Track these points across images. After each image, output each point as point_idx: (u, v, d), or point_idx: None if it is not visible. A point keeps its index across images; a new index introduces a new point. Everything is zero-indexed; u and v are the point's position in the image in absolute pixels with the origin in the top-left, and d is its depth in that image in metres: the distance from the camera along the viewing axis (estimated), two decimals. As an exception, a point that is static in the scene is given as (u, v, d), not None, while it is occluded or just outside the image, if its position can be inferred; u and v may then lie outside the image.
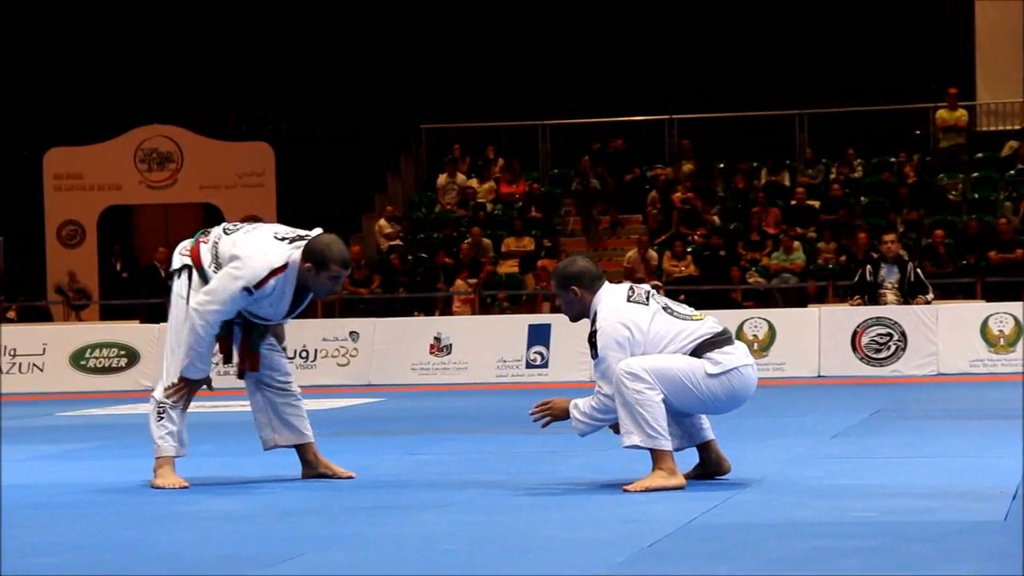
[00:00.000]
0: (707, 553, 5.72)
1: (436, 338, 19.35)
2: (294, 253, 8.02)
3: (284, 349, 8.49)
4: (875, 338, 18.48)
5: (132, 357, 19.78)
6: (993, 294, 21.34)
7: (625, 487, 7.52)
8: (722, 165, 26.39)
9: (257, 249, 8.03)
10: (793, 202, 24.75)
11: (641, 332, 7.59)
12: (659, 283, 22.70)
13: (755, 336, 18.73)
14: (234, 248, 8.04)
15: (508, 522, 6.64)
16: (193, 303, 8.02)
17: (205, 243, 8.16)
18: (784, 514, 6.63)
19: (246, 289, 7.94)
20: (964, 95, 26.18)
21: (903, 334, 18.40)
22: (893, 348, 18.42)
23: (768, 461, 8.81)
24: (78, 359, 19.87)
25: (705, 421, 7.95)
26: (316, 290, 8.10)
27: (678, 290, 22.90)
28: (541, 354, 18.96)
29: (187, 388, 8.07)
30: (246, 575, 5.46)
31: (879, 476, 8.04)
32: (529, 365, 19.02)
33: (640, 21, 28.65)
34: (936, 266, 22.10)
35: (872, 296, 19.18)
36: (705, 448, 7.90)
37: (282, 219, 17.89)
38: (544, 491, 7.69)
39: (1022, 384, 15.10)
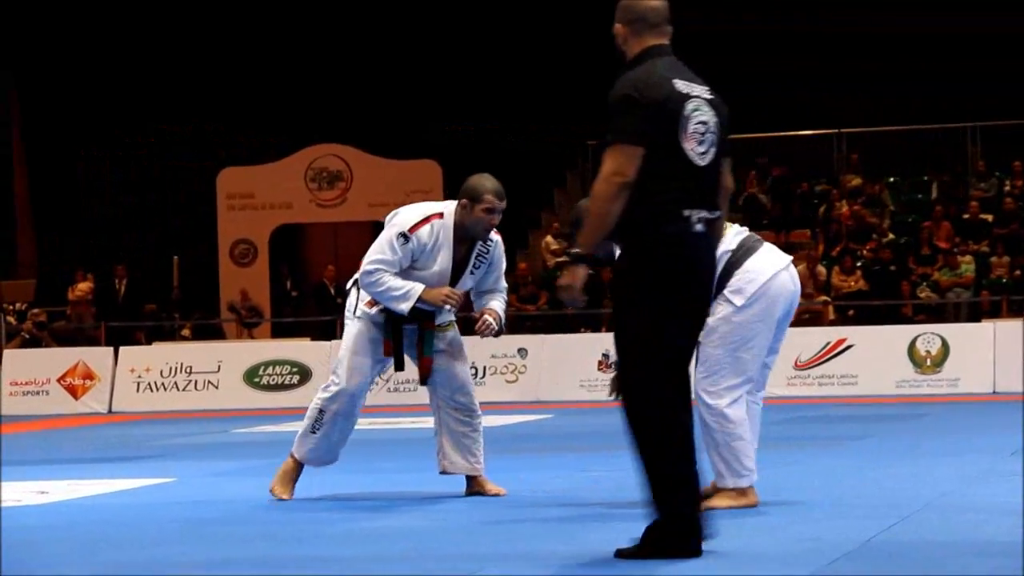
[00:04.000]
0: (887, 572, 5.64)
1: (604, 355, 19.30)
2: (445, 204, 8.10)
3: (500, 331, 8.30)
4: (1052, 353, 18.09)
5: (304, 374, 19.99)
6: None
7: None
8: (892, 179, 26.05)
9: (413, 206, 8.17)
10: (966, 216, 24.35)
11: None
12: (827, 299, 22.46)
13: (928, 351, 18.44)
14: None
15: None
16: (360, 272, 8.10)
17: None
18: (965, 533, 6.50)
19: (401, 235, 7.95)
20: None
21: (1081, 349, 17.99)
22: (1071, 363, 18.03)
23: (946, 479, 8.66)
24: (251, 376, 20.14)
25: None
26: (473, 228, 8.01)
27: (848, 305, 22.65)
28: (710, 370, 18.81)
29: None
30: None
31: (1062, 494, 7.86)
32: (697, 381, 18.89)
33: (808, 36, 28.41)
34: (1114, 280, 21.62)
35: (1048, 310, 18.81)
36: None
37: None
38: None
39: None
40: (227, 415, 18.43)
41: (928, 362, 18.37)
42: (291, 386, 20.03)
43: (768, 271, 7.45)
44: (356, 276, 8.27)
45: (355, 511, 7.87)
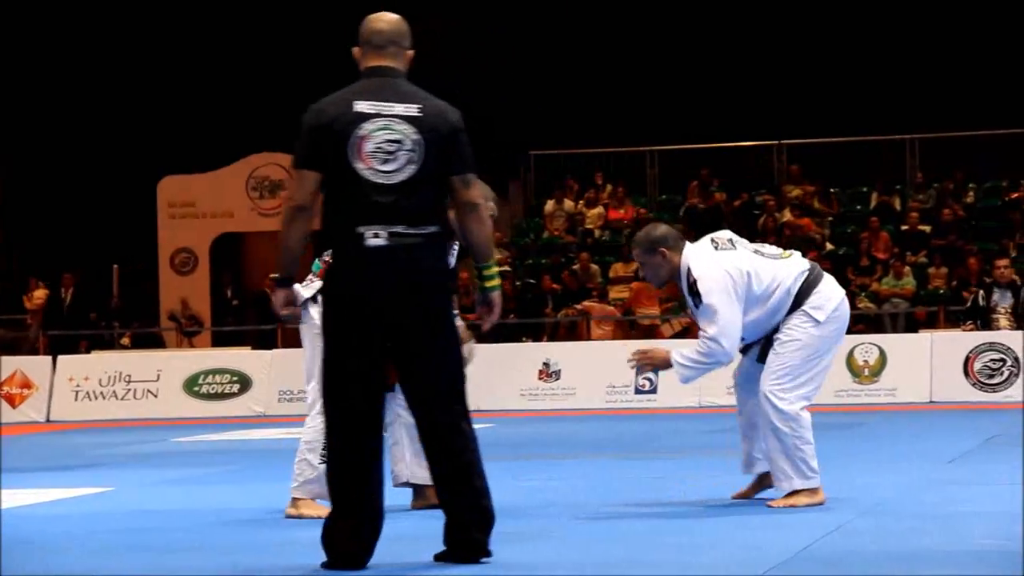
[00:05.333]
0: (824, 580, 5.67)
1: (545, 364, 19.34)
2: None
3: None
4: (988, 363, 18.25)
5: (244, 383, 19.91)
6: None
7: (769, 503, 7.75)
8: (833, 190, 26.21)
9: None
10: (905, 227, 24.51)
11: (741, 274, 7.70)
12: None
13: (866, 361, 18.54)
14: None
15: (619, 548, 6.61)
16: None
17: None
18: (901, 541, 6.54)
19: None
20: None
21: (1016, 360, 18.15)
22: (1006, 373, 18.18)
23: (884, 487, 8.70)
24: (191, 385, 20.04)
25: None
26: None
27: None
28: (650, 380, 18.87)
29: None
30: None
31: (998, 503, 7.92)
32: (638, 391, 18.94)
33: (748, 48, 28.56)
34: (1050, 291, 21.79)
35: (985, 321, 18.95)
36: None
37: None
38: (655, 516, 7.64)
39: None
40: (166, 424, 18.34)
41: (866, 372, 18.46)
42: (231, 395, 19.94)
43: (838, 296, 7.87)
44: (319, 284, 7.98)
45: (295, 521, 7.82)
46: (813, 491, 7.70)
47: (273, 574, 6.15)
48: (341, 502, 6.01)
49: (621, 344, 20.72)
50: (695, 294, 7.69)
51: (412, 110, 6.03)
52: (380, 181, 5.94)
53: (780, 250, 8.07)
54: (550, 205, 26.93)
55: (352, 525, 5.99)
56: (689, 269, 7.73)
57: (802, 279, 7.78)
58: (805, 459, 7.67)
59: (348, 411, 6.01)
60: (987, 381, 18.20)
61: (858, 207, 25.97)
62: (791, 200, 25.78)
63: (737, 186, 26.60)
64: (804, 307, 7.74)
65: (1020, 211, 24.68)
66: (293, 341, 22.03)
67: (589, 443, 13.72)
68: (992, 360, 18.25)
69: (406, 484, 8.17)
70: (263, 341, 22.70)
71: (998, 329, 18.76)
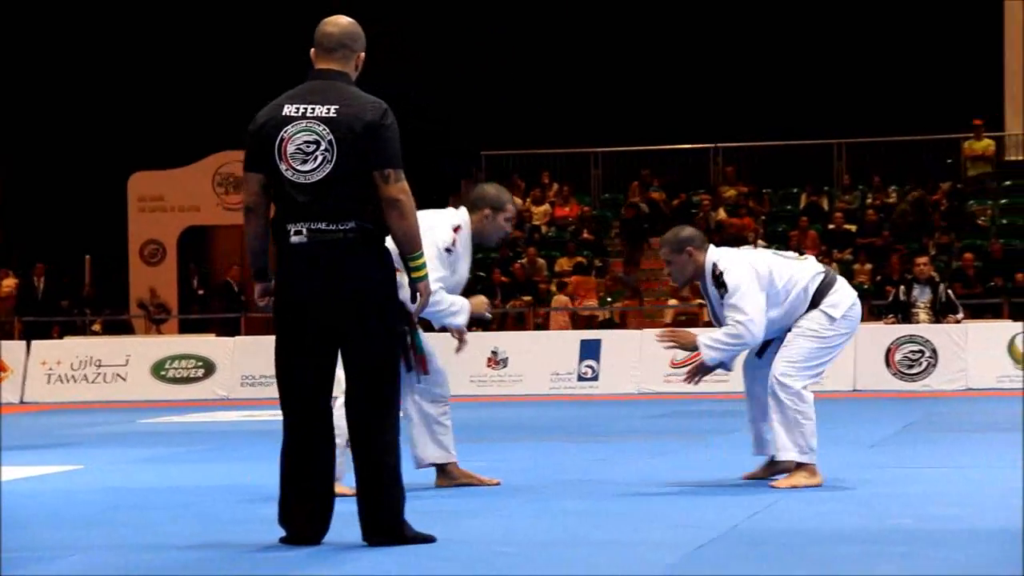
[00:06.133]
0: (751, 557, 5.72)
1: (493, 352, 19.36)
2: (460, 213, 7.83)
3: (465, 342, 8.28)
4: (908, 355, 18.39)
5: (209, 368, 19.86)
6: (1019, 314, 21.18)
7: (772, 483, 7.83)
8: (765, 191, 26.34)
9: (433, 216, 7.82)
10: (832, 226, 24.67)
11: (765, 267, 7.88)
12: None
13: (794, 352, 18.63)
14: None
15: (560, 525, 6.64)
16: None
17: None
18: (824, 520, 6.60)
19: (447, 250, 7.71)
20: (995, 126, 26.04)
21: (934, 351, 18.29)
22: (925, 364, 18.32)
23: (808, 470, 8.75)
24: (158, 370, 19.98)
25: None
26: (493, 235, 7.94)
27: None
28: (592, 368, 18.94)
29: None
30: (295, 574, 5.48)
31: (914, 485, 8.00)
32: (580, 378, 19.00)
33: (687, 57, 28.66)
34: (966, 287, 21.96)
35: (905, 315, 19.09)
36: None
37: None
38: (595, 496, 7.67)
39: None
40: (134, 406, 18.28)
41: (794, 362, 18.57)
42: (196, 379, 19.89)
43: (852, 296, 8.02)
44: None
45: (258, 498, 7.81)
46: (812, 471, 7.79)
47: (237, 548, 6.15)
48: (290, 485, 6.01)
49: (563, 334, 20.79)
50: (720, 284, 7.82)
51: (330, 111, 5.97)
52: (300, 181, 5.92)
53: (796, 254, 8.26)
54: (500, 202, 26.93)
55: (301, 505, 5.99)
56: (715, 263, 7.89)
57: (819, 280, 7.92)
58: (804, 435, 7.78)
59: (295, 400, 5.99)
60: (907, 371, 18.34)
61: (788, 207, 26.13)
62: (726, 200, 25.90)
63: (675, 186, 26.71)
64: (821, 306, 7.88)
65: (939, 212, 24.87)
66: (256, 329, 22.02)
67: (534, 427, 13.76)
68: (912, 351, 18.39)
69: (430, 465, 8.08)
70: (227, 328, 22.65)
71: (918, 322, 18.90)
